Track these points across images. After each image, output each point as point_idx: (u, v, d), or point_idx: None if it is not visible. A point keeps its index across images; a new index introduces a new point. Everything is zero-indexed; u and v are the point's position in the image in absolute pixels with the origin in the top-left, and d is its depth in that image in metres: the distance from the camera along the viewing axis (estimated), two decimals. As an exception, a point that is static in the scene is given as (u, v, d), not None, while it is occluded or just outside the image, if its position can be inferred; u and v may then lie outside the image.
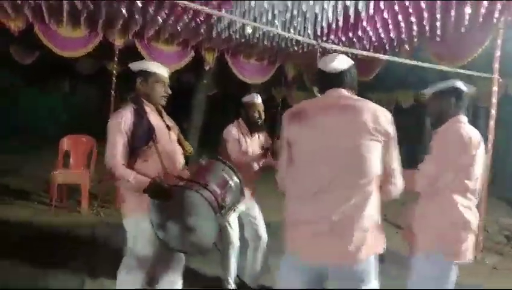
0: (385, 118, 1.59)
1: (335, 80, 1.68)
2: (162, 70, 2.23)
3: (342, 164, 1.55)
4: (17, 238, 3.92)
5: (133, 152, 2.09)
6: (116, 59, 5.80)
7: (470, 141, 1.98)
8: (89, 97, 12.39)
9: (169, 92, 2.26)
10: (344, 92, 1.68)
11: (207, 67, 6.41)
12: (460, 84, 2.14)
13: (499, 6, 3.48)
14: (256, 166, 2.98)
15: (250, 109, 3.07)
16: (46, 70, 9.41)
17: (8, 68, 9.61)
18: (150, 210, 2.04)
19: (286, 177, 1.71)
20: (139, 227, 2.14)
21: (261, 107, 3.11)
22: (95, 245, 3.89)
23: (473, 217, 2.03)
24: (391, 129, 1.60)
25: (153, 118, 2.18)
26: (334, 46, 3.81)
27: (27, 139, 9.50)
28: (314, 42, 3.13)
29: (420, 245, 2.03)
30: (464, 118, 2.10)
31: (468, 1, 3.46)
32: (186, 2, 3.05)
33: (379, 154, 1.58)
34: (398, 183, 1.68)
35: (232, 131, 3.02)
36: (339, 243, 1.53)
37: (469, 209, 2.02)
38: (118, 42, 5.46)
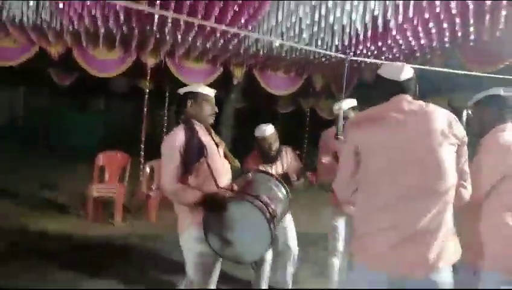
0: (457, 122, 1.60)
1: (402, 87, 1.68)
2: (209, 91, 2.39)
3: (421, 171, 1.52)
4: (55, 248, 4.12)
5: (186, 169, 2.20)
6: (148, 78, 6.03)
7: (509, 149, 1.89)
8: (123, 114, 12.85)
9: (217, 110, 2.42)
10: (410, 98, 1.66)
11: (235, 82, 6.52)
12: (501, 92, 2.07)
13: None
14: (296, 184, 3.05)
15: (262, 142, 3.13)
16: (83, 90, 9.87)
17: (48, 89, 10.16)
18: (203, 224, 2.11)
19: (350, 185, 1.69)
20: (194, 241, 2.21)
21: (273, 139, 3.14)
22: (128, 256, 4.01)
23: None
24: (464, 133, 1.60)
25: (203, 135, 2.30)
26: (364, 59, 3.78)
27: (65, 156, 9.93)
28: (343, 56, 3.12)
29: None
30: (508, 126, 2.01)
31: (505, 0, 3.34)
32: (215, 25, 3.12)
33: (454, 159, 1.57)
34: (469, 187, 1.68)
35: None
36: (419, 253, 1.50)
37: None
38: (150, 62, 5.67)
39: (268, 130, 3.14)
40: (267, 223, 2.03)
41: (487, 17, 3.57)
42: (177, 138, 2.21)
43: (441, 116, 1.57)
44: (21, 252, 3.95)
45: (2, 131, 11.53)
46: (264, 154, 3.16)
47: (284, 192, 2.46)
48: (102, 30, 4.52)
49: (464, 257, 1.85)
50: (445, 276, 1.54)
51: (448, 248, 1.53)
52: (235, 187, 2.33)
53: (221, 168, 2.33)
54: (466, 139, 1.61)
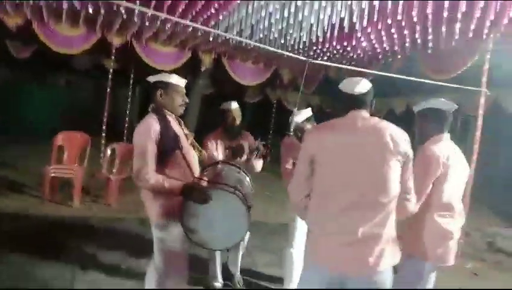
0: (405, 140, 1.73)
1: (357, 101, 1.80)
2: (181, 82, 2.35)
3: (367, 183, 1.68)
4: (8, 228, 4.02)
5: (161, 160, 2.18)
6: (112, 57, 5.87)
7: (438, 160, 2.13)
8: (85, 92, 12.38)
9: (187, 100, 2.39)
10: (365, 113, 1.80)
11: (203, 68, 6.49)
12: (441, 104, 2.26)
13: (487, 23, 3.59)
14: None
15: (226, 115, 3.21)
16: (42, 65, 9.40)
17: (4, 62, 9.58)
18: (183, 214, 2.14)
19: (303, 190, 1.82)
20: (168, 230, 2.22)
21: (237, 114, 3.25)
22: (86, 239, 3.97)
23: (453, 227, 2.20)
24: (410, 150, 1.74)
25: (174, 126, 2.30)
26: (324, 62, 3.92)
27: (23, 132, 9.50)
28: (304, 59, 3.26)
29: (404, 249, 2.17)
30: (443, 136, 2.24)
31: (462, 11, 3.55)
32: (185, 21, 3.10)
33: (398, 174, 1.72)
34: (413, 200, 1.84)
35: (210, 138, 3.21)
36: (361, 256, 1.67)
37: (447, 222, 2.19)
38: (116, 41, 5.51)
39: (233, 104, 3.25)
40: (246, 212, 2.17)
41: (443, 28, 3.79)
42: (152, 128, 2.16)
43: (389, 134, 1.70)
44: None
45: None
46: (227, 129, 3.25)
47: (249, 181, 2.57)
48: (65, 6, 4.36)
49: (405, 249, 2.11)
50: (384, 277, 1.70)
51: (388, 253, 1.69)
52: (205, 178, 2.36)
53: (193, 160, 2.34)
54: (412, 156, 1.75)
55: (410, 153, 1.75)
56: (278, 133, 8.43)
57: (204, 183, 2.28)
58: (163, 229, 2.23)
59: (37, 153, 6.19)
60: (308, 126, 2.96)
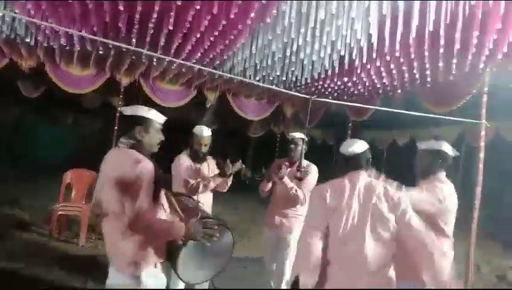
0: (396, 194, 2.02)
1: (354, 162, 2.07)
2: (161, 119, 2.19)
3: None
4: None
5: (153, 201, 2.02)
6: (120, 96, 6.05)
7: (438, 198, 2.31)
8: (92, 130, 12.61)
9: (163, 138, 2.21)
10: (364, 173, 2.06)
11: (208, 105, 6.66)
12: (446, 148, 2.46)
13: (483, 58, 3.72)
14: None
15: (196, 140, 3.41)
16: (51, 104, 9.65)
17: (15, 102, 9.84)
18: (179, 257, 2.03)
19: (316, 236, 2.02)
20: (156, 277, 2.07)
21: (207, 141, 3.45)
22: (92, 276, 3.94)
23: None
24: (402, 201, 2.01)
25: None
26: (326, 100, 4.07)
27: (31, 171, 9.59)
28: (307, 97, 3.45)
29: None
30: (442, 176, 2.44)
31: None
32: (190, 64, 3.26)
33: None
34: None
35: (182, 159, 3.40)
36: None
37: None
38: (124, 81, 5.70)
39: (206, 131, 3.44)
40: (232, 244, 2.25)
41: (441, 63, 3.92)
42: (148, 165, 1.98)
43: (381, 191, 1.99)
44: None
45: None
46: (194, 152, 3.43)
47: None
48: (77, 48, 4.57)
49: None
50: None
51: None
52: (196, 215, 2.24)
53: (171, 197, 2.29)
54: (404, 205, 2.00)
55: (403, 202, 2.00)
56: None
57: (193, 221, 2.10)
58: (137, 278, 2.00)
59: (42, 191, 6.25)
60: (299, 145, 3.49)
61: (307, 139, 3.59)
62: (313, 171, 3.47)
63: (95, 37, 3.56)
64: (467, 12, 2.87)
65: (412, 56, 3.87)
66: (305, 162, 3.50)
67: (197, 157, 3.43)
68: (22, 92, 7.53)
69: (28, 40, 4.32)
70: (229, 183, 3.52)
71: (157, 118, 2.16)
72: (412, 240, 1.96)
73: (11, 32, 4.16)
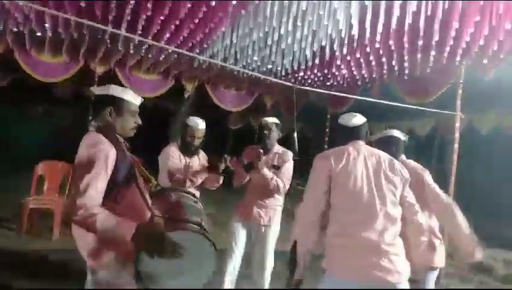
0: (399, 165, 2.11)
1: (355, 132, 2.14)
2: (137, 100, 1.93)
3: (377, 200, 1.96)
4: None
5: (111, 192, 1.73)
6: (96, 85, 5.84)
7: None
8: (66, 121, 12.20)
9: (140, 122, 1.94)
10: (362, 143, 2.13)
11: (186, 95, 6.54)
12: (396, 133, 2.67)
13: (460, 51, 3.80)
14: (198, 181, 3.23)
15: (190, 132, 3.24)
16: (21, 94, 9.24)
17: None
18: (138, 259, 1.68)
19: (320, 206, 2.00)
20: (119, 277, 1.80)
21: (201, 134, 3.28)
22: (66, 272, 3.81)
23: None
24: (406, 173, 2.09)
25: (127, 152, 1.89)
26: (309, 88, 4.07)
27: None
28: (290, 84, 3.40)
29: None
30: (403, 157, 2.64)
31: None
32: (171, 48, 3.17)
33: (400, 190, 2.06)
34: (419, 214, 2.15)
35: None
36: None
37: None
38: (99, 69, 5.51)
39: (201, 124, 3.25)
40: (213, 251, 1.85)
41: (419, 55, 3.98)
42: (106, 149, 1.71)
43: (385, 159, 2.06)
44: None
45: None
46: (185, 144, 3.26)
47: (201, 206, 2.24)
48: (49, 34, 4.37)
49: None
50: (406, 285, 1.92)
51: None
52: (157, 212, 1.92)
53: (145, 191, 1.92)
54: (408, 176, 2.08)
55: (406, 174, 2.07)
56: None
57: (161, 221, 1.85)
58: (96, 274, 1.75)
59: (15, 185, 5.99)
60: (274, 130, 3.28)
61: (280, 124, 3.35)
62: (290, 156, 3.28)
63: (69, 17, 3.35)
64: (446, 5, 2.92)
65: (392, 48, 3.91)
66: (280, 149, 3.33)
67: (188, 150, 3.24)
68: (-11, 81, 7.18)
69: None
70: (221, 181, 3.35)
71: (133, 99, 1.90)
72: (439, 201, 2.34)
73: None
